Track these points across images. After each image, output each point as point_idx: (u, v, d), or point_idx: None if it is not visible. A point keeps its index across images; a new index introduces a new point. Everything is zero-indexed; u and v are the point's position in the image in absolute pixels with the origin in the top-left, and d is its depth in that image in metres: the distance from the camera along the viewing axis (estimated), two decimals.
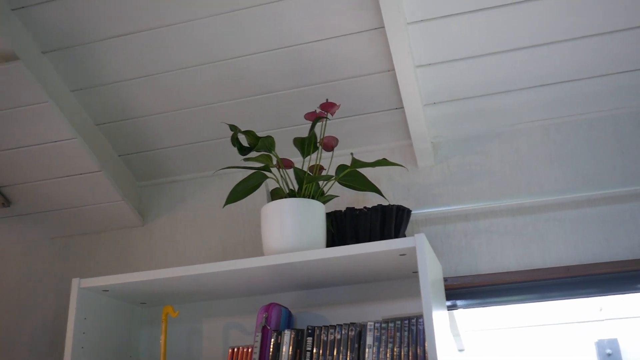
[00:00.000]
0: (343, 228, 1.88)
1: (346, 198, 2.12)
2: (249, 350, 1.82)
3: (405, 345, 1.62)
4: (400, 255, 1.65)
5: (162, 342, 1.87)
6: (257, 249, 2.14)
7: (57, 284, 2.33)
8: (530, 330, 3.61)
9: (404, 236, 1.87)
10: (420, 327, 1.63)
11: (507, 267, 1.94)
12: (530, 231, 1.95)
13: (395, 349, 1.63)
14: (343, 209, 1.99)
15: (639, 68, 1.90)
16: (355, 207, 1.90)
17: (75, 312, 1.80)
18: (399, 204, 2.05)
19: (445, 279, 1.93)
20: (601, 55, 1.87)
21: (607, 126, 2.01)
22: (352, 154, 1.83)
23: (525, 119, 2.07)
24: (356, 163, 1.76)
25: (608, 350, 3.53)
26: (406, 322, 1.65)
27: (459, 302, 1.98)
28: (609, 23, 1.78)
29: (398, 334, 1.64)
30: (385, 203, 2.02)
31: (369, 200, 2.10)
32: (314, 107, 1.94)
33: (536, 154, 2.03)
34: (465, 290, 1.96)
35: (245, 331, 2.01)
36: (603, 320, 3.59)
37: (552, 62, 1.90)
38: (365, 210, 1.87)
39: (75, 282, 1.84)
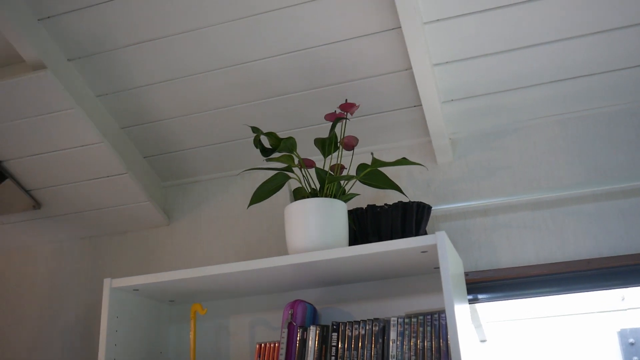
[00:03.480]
0: (365, 225, 1.92)
1: (367, 195, 2.15)
2: (276, 345, 1.87)
3: (428, 339, 1.66)
4: (422, 252, 1.68)
5: (191, 338, 1.93)
6: (280, 248, 2.19)
7: (87, 283, 2.40)
8: (552, 321, 3.63)
9: (425, 232, 1.91)
10: (443, 322, 1.67)
11: (527, 261, 1.96)
12: (550, 225, 1.97)
13: (418, 343, 1.67)
14: (364, 206, 2.03)
15: None
16: (376, 204, 1.93)
17: (107, 311, 1.87)
18: (419, 200, 2.08)
19: (466, 274, 1.96)
20: (617, 49, 1.88)
21: (625, 119, 2.02)
22: (372, 153, 1.87)
23: (543, 114, 2.08)
24: (376, 162, 1.80)
25: (631, 340, 3.54)
26: (429, 317, 1.69)
27: (480, 296, 2.01)
28: (625, 18, 1.79)
29: (421, 328, 1.68)
30: (405, 200, 2.05)
31: (390, 197, 2.14)
32: (333, 107, 1.98)
33: (554, 148, 2.05)
34: (486, 284, 1.99)
35: (271, 327, 2.06)
36: (626, 309, 3.60)
37: (567, 57, 1.91)
38: (386, 207, 1.91)
39: (107, 282, 1.90)
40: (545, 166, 2.04)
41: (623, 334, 3.57)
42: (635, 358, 3.48)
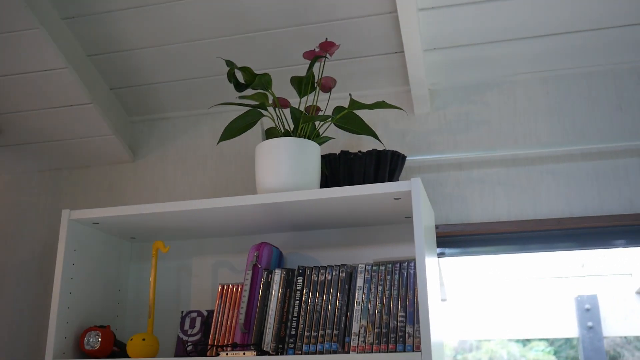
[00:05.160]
0: (337, 171, 1.87)
1: (340, 141, 2.10)
2: (239, 287, 1.83)
3: (395, 288, 1.63)
4: (395, 199, 1.64)
5: (151, 277, 1.87)
6: (248, 189, 2.13)
7: (45, 217, 2.31)
8: (512, 283, 3.69)
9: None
10: (412, 272, 1.64)
11: (498, 217, 1.95)
12: (523, 182, 1.95)
13: (385, 292, 1.64)
14: (337, 151, 1.97)
15: None
16: (350, 151, 1.88)
17: (65, 243, 1.79)
18: (394, 149, 2.03)
19: (436, 227, 1.94)
20: (605, 6, 1.83)
21: (606, 80, 1.99)
22: (350, 95, 1.80)
23: (525, 70, 2.04)
24: (354, 104, 1.73)
25: (587, 306, 3.62)
26: (397, 265, 1.66)
27: (447, 250, 2.00)
28: None
29: (389, 277, 1.65)
30: (380, 148, 2.00)
31: (363, 145, 2.09)
32: (311, 47, 1.90)
33: (534, 105, 2.02)
34: (455, 238, 1.97)
35: (234, 270, 2.01)
36: (584, 276, 3.67)
37: (555, 11, 1.86)
38: (360, 154, 1.86)
39: (65, 213, 1.82)
40: (523, 123, 2.01)
41: (580, 300, 3.65)
42: (590, 323, 3.57)
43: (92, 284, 1.90)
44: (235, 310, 1.81)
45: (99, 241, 1.96)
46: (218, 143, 1.76)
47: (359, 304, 1.65)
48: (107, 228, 1.94)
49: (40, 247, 2.27)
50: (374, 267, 1.68)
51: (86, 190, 2.31)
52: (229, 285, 1.86)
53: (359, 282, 1.67)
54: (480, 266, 3.53)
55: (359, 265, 1.69)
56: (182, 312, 1.98)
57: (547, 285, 3.65)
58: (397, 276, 1.65)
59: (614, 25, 1.89)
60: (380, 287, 1.65)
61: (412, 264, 1.65)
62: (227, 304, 1.83)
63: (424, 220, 1.58)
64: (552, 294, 3.63)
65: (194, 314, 1.95)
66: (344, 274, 1.70)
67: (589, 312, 3.61)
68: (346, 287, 1.69)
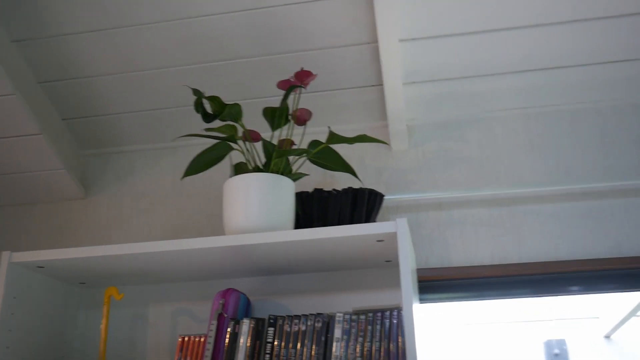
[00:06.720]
0: (310, 210, 1.73)
1: (312, 179, 1.97)
2: (202, 340, 1.64)
3: (377, 340, 1.48)
4: (378, 241, 1.50)
5: (102, 327, 1.67)
6: (212, 230, 1.96)
7: None
8: (479, 328, 3.57)
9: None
10: (394, 321, 1.49)
11: (480, 260, 1.83)
12: (507, 224, 1.85)
13: (365, 344, 1.49)
14: (309, 190, 1.84)
15: (626, 59, 1.82)
16: (324, 189, 1.75)
17: (4, 289, 1.58)
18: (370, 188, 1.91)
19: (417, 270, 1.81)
20: (590, 43, 1.78)
21: (590, 118, 1.92)
22: (329, 127, 1.67)
23: (506, 106, 1.96)
24: (334, 137, 1.60)
25: (556, 350, 3.53)
26: (379, 314, 1.51)
27: (427, 296, 1.86)
28: (601, 8, 1.69)
29: (370, 327, 1.50)
30: (355, 186, 1.88)
31: (338, 182, 1.96)
32: (283, 78, 1.78)
33: (516, 142, 1.93)
34: (435, 283, 1.84)
35: (196, 319, 1.83)
36: (552, 320, 3.59)
37: (538, 46, 1.80)
38: (335, 192, 1.72)
39: (5, 255, 1.61)
40: (505, 161, 1.92)
41: (549, 345, 3.56)
42: None
43: (33, 336, 1.69)
44: None
45: (43, 287, 1.75)
46: (183, 178, 1.60)
47: (337, 358, 1.49)
48: (53, 272, 1.73)
49: None
50: (353, 317, 1.53)
51: (30, 230, 2.10)
52: (190, 337, 1.67)
53: (337, 333, 1.52)
54: (449, 310, 3.41)
55: (337, 314, 1.54)
56: None
57: (514, 329, 3.56)
58: (378, 326, 1.50)
59: (598, 61, 1.83)
60: (360, 339, 1.50)
61: (395, 313, 1.50)
62: (188, 357, 1.64)
63: (410, 264, 1.44)
64: (520, 338, 3.53)
65: None
66: (320, 324, 1.54)
67: (557, 357, 3.52)
68: (322, 338, 1.53)
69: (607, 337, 3.52)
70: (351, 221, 1.70)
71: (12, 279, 1.62)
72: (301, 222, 1.73)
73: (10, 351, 1.59)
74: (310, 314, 1.56)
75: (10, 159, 1.98)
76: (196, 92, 1.63)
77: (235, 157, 1.88)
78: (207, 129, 1.64)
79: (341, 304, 1.74)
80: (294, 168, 1.79)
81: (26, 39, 1.83)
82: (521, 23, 1.74)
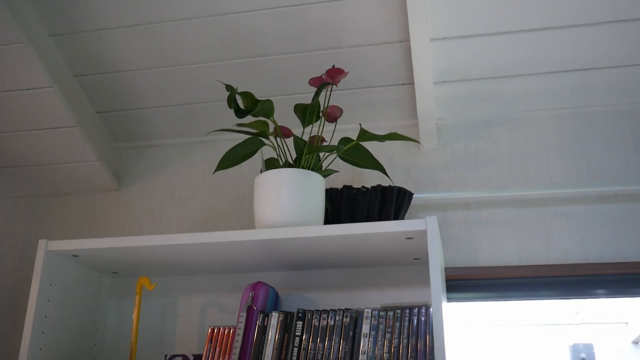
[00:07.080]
0: (338, 207, 1.74)
1: (341, 176, 1.98)
2: (232, 331, 1.67)
3: (404, 336, 1.49)
4: (407, 238, 1.51)
5: (134, 316, 1.70)
6: (241, 224, 1.99)
7: (19, 248, 2.13)
8: (506, 330, 3.56)
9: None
10: (422, 318, 1.50)
11: (508, 261, 1.83)
12: (535, 225, 1.84)
13: (393, 340, 1.50)
14: (338, 187, 1.85)
15: None
16: (353, 186, 1.76)
17: (40, 276, 1.62)
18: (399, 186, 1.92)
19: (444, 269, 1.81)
20: (622, 44, 1.76)
21: (622, 120, 1.91)
22: (360, 125, 1.69)
23: (538, 107, 1.95)
24: (365, 135, 1.61)
25: (583, 355, 3.50)
26: (407, 311, 1.52)
27: (454, 295, 1.86)
28: (636, 10, 1.67)
29: (397, 323, 1.51)
30: (385, 184, 1.89)
31: (366, 180, 1.97)
32: (315, 75, 1.79)
33: (546, 144, 1.92)
34: (462, 282, 1.85)
35: (225, 311, 1.86)
36: (579, 324, 3.56)
37: (571, 47, 1.78)
38: (364, 189, 1.74)
39: (42, 243, 1.66)
40: (535, 162, 1.91)
41: (575, 349, 3.53)
42: None
43: (67, 323, 1.73)
44: (227, 356, 1.64)
45: (77, 275, 1.79)
46: (215, 172, 1.62)
47: (365, 353, 1.50)
48: (87, 261, 1.78)
49: (12, 280, 2.09)
50: (381, 313, 1.54)
51: (65, 220, 2.14)
52: (219, 328, 1.69)
53: (365, 328, 1.53)
54: (475, 311, 3.41)
55: (365, 310, 1.55)
56: (166, 355, 1.82)
57: (541, 332, 3.54)
58: (407, 323, 1.51)
59: (631, 64, 1.81)
60: (388, 335, 1.51)
61: (424, 310, 1.51)
62: (217, 348, 1.67)
63: (440, 262, 1.45)
64: (547, 342, 3.51)
65: (179, 359, 1.78)
66: (348, 319, 1.56)
67: None
68: (350, 333, 1.54)
69: (636, 342, 3.48)
70: (379, 218, 1.71)
71: (48, 266, 1.67)
72: (329, 218, 1.74)
73: (45, 336, 1.63)
74: (339, 309, 1.58)
75: (45, 150, 2.02)
76: (229, 87, 1.66)
77: (267, 152, 1.90)
78: (239, 125, 1.66)
79: (368, 300, 1.75)
80: (324, 164, 1.81)
81: (63, 34, 1.87)
82: (553, 24, 1.73)
